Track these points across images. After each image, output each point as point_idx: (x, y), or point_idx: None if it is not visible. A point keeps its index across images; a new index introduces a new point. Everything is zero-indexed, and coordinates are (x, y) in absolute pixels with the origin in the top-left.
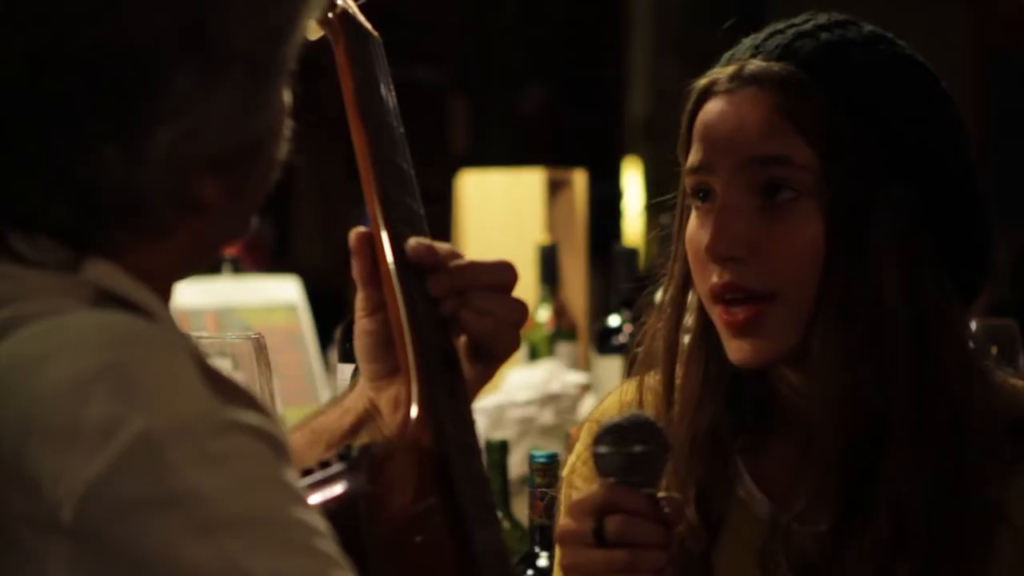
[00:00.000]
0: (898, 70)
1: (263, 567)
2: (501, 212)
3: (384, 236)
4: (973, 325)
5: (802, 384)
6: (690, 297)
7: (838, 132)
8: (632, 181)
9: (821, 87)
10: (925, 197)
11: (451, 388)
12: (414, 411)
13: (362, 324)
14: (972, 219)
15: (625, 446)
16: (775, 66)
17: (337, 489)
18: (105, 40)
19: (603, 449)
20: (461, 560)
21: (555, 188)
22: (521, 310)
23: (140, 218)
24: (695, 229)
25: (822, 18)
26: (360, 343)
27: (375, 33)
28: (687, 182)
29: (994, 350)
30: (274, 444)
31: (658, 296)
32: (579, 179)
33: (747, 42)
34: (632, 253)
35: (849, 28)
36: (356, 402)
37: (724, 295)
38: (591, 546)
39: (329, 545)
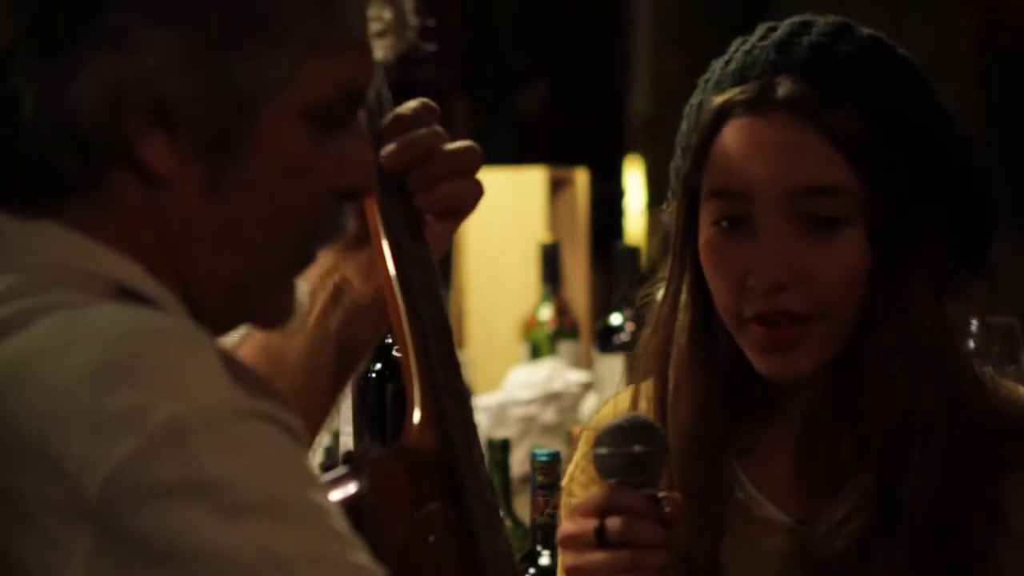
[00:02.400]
0: (910, 79)
1: (288, 549)
2: (503, 211)
3: (384, 244)
4: (974, 324)
5: (818, 390)
6: (682, 314)
7: (879, 153)
8: (634, 180)
9: (857, 107)
10: (941, 203)
11: (453, 391)
12: (417, 415)
13: None
14: (979, 208)
15: (625, 447)
16: (809, 89)
17: (341, 494)
18: None
19: (603, 450)
20: (468, 564)
21: (556, 187)
22: (475, 161)
23: (84, 163)
24: (722, 253)
25: (821, 24)
26: None
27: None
28: (711, 205)
29: (995, 348)
30: (290, 431)
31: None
32: (580, 178)
33: (758, 54)
34: (634, 251)
35: (853, 33)
36: (324, 280)
37: (768, 321)
38: (593, 547)
39: (344, 527)
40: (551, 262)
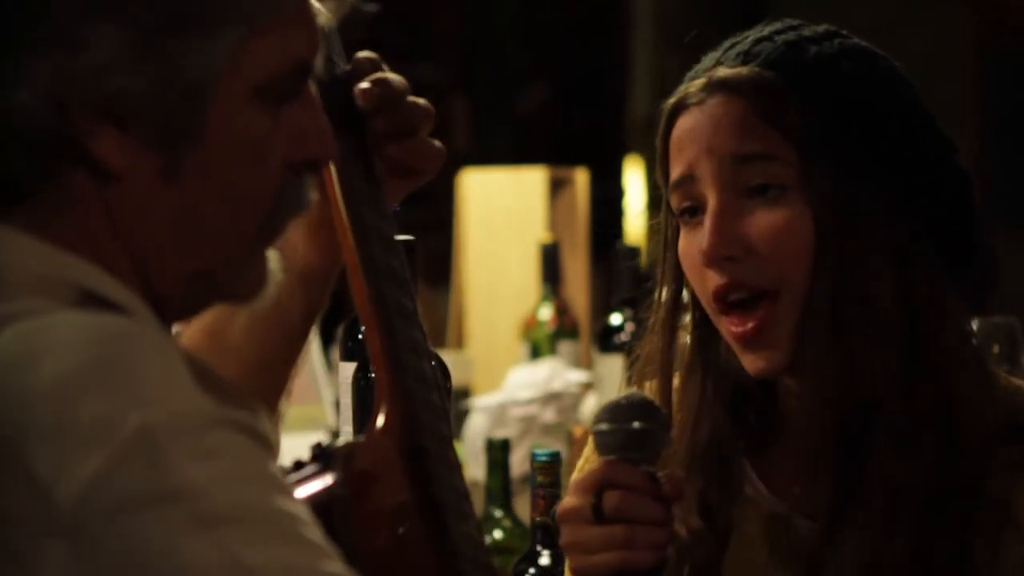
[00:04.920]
0: (857, 60)
1: (259, 558)
2: (502, 211)
3: (346, 221)
4: (974, 324)
5: (795, 382)
6: (684, 315)
7: (813, 126)
8: (633, 179)
9: (789, 84)
10: (906, 183)
11: (421, 375)
12: (384, 403)
13: None
14: (955, 198)
15: (624, 423)
16: (743, 70)
17: (311, 490)
18: None
19: (602, 427)
20: (440, 552)
21: (556, 186)
22: (430, 118)
23: (30, 160)
24: (688, 243)
25: (776, 24)
26: None
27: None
28: (673, 199)
29: (995, 348)
30: (259, 439)
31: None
32: (580, 177)
33: (707, 58)
34: (634, 251)
35: (803, 28)
36: None
37: (728, 296)
38: (590, 522)
39: (317, 535)
40: (551, 262)
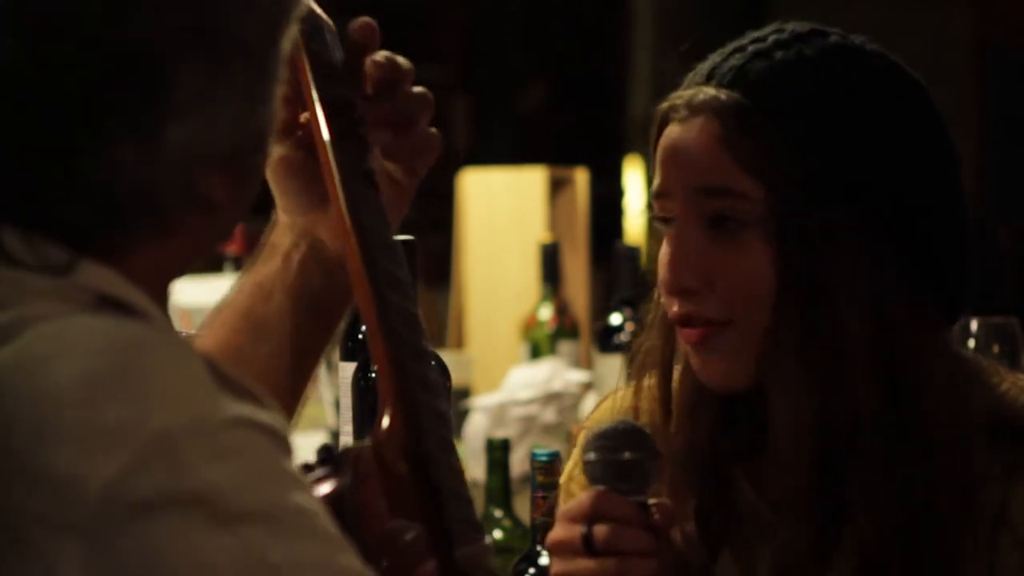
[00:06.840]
0: (854, 90)
1: (280, 555)
2: (503, 210)
3: (350, 229)
4: (974, 324)
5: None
6: None
7: (782, 162)
8: (634, 179)
9: (766, 115)
10: (885, 217)
11: (424, 381)
12: (388, 408)
13: (275, 152)
14: (945, 233)
15: (614, 453)
16: (722, 94)
17: (318, 494)
18: (117, 43)
19: (592, 456)
20: (444, 556)
21: (557, 186)
22: (431, 106)
23: (153, 218)
24: (663, 253)
25: (786, 31)
26: (278, 174)
27: (329, 20)
28: (654, 205)
29: (995, 349)
30: (277, 437)
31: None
32: (581, 177)
33: (710, 59)
34: (634, 251)
35: (810, 42)
36: (298, 241)
37: (683, 322)
38: (580, 554)
39: (334, 529)
40: (551, 262)
